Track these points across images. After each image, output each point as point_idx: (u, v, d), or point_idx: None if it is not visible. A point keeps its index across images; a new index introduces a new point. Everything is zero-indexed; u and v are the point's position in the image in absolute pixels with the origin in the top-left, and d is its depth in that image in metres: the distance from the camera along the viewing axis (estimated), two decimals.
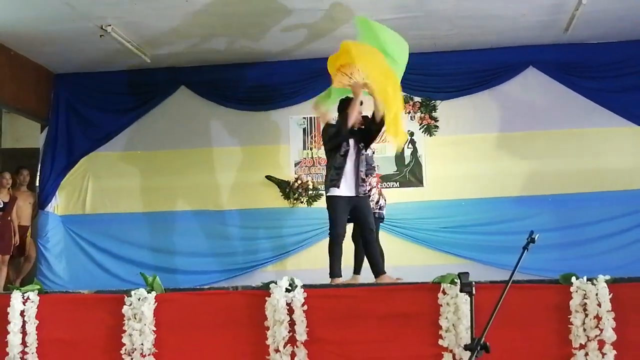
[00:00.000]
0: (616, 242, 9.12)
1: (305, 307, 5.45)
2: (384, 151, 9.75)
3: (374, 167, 8.21)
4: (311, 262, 9.37)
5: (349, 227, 7.50)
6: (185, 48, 9.55)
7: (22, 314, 5.77)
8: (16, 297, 5.79)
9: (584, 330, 5.22)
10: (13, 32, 8.85)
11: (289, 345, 5.41)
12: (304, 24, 8.82)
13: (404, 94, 9.86)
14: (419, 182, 9.84)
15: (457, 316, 5.26)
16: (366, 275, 7.53)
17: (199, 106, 10.31)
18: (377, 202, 8.20)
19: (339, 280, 6.98)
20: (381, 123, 7.10)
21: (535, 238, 4.40)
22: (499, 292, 4.31)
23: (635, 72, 9.58)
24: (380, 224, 8.33)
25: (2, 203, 9.46)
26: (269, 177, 9.98)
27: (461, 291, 4.78)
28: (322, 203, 8.18)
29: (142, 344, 5.55)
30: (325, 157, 7.72)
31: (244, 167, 10.11)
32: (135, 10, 8.28)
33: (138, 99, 10.37)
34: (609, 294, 5.22)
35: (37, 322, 5.77)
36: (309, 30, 9.03)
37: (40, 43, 9.24)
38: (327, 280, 7.25)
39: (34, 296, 5.83)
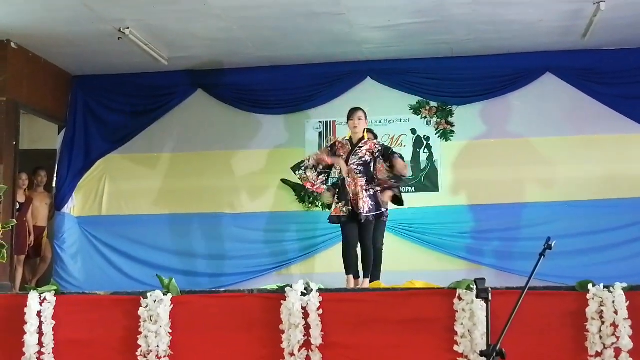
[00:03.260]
0: (633, 249, 9.06)
1: (321, 311, 5.45)
2: None
3: None
4: (326, 266, 9.38)
5: None
6: (203, 51, 9.60)
7: (38, 314, 5.77)
8: (33, 297, 5.81)
9: (600, 337, 5.18)
10: (31, 34, 8.92)
11: (303, 349, 5.39)
12: (322, 28, 8.84)
13: (421, 98, 9.95)
14: (435, 187, 9.81)
15: (472, 322, 5.24)
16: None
17: (215, 109, 10.36)
18: None
19: None
20: None
21: (552, 245, 4.38)
22: (515, 299, 4.29)
23: None
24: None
25: (17, 204, 9.54)
26: (284, 181, 9.98)
27: (477, 297, 4.75)
28: None
29: (157, 346, 5.55)
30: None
31: (259, 170, 10.13)
32: (154, 13, 8.32)
33: (155, 102, 10.42)
34: (626, 302, 5.18)
35: (54, 322, 5.78)
36: (327, 35, 9.04)
37: (58, 45, 9.30)
38: (341, 284, 7.29)
39: (50, 297, 5.84)
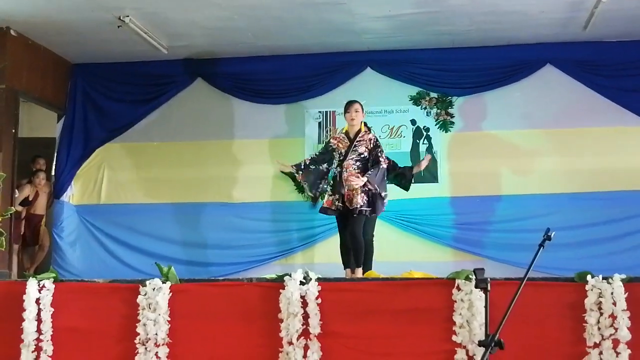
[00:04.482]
0: (632, 241, 9.07)
1: (319, 300, 5.45)
2: (398, 146, 9.76)
3: None
4: (324, 256, 9.40)
5: None
6: (203, 40, 9.57)
7: (37, 301, 5.78)
8: (32, 284, 5.82)
9: (599, 328, 5.19)
10: (31, 21, 8.89)
11: (302, 338, 5.40)
12: (322, 18, 8.81)
13: (421, 89, 9.94)
14: (434, 178, 9.79)
15: (471, 312, 5.25)
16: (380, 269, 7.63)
17: (215, 98, 10.34)
18: None
19: None
20: None
21: (552, 236, 4.38)
22: (514, 289, 4.29)
23: None
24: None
25: (28, 199, 9.71)
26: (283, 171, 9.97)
27: (476, 287, 4.76)
28: None
29: (156, 334, 5.56)
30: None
31: (258, 159, 10.10)
32: (154, 2, 8.30)
33: (155, 90, 10.40)
34: (625, 293, 5.19)
35: (52, 310, 5.79)
36: (327, 24, 9.02)
37: (58, 33, 9.27)
38: (338, 273, 7.29)
39: (49, 284, 5.85)
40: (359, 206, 7.37)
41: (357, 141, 7.59)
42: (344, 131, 7.79)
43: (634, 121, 9.49)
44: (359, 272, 7.43)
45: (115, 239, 10.11)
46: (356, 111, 7.64)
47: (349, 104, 7.72)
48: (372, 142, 7.61)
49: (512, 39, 9.58)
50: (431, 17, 8.79)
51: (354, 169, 7.51)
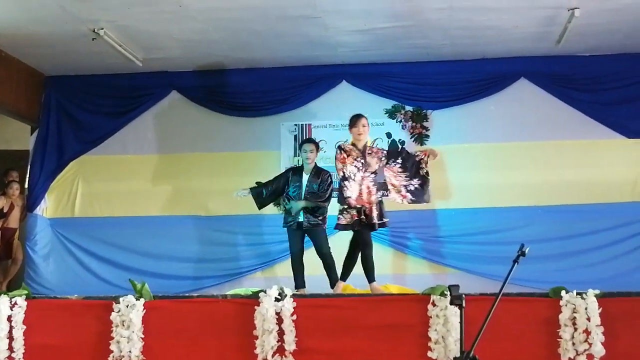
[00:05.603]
0: (606, 254, 9.12)
1: (295, 317, 5.44)
2: None
3: None
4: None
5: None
6: (178, 53, 9.53)
7: (9, 319, 5.73)
8: (3, 302, 5.77)
9: (573, 344, 5.23)
10: (4, 33, 8.80)
11: (277, 354, 5.40)
12: (298, 32, 8.82)
13: (396, 102, 9.96)
14: None
15: (446, 328, 5.27)
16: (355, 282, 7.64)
17: (190, 111, 10.29)
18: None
19: None
20: None
21: (526, 251, 4.40)
22: (489, 305, 4.31)
23: (627, 85, 9.61)
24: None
25: (2, 211, 9.66)
26: (259, 184, 9.92)
27: (451, 303, 4.78)
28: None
29: (129, 351, 5.53)
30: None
31: (234, 172, 10.03)
32: (128, 14, 8.25)
33: (129, 103, 10.32)
34: (599, 308, 5.23)
35: (25, 327, 5.74)
36: (303, 38, 9.02)
37: (32, 45, 9.19)
38: (314, 288, 7.26)
39: (21, 301, 5.80)
40: (375, 220, 7.39)
41: (367, 154, 7.56)
42: (350, 143, 7.72)
43: (607, 134, 9.58)
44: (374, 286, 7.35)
45: (89, 252, 10.01)
46: (363, 126, 7.59)
47: (356, 118, 7.64)
48: (383, 154, 7.64)
49: (486, 53, 9.64)
50: (406, 31, 8.82)
51: (369, 182, 7.50)
